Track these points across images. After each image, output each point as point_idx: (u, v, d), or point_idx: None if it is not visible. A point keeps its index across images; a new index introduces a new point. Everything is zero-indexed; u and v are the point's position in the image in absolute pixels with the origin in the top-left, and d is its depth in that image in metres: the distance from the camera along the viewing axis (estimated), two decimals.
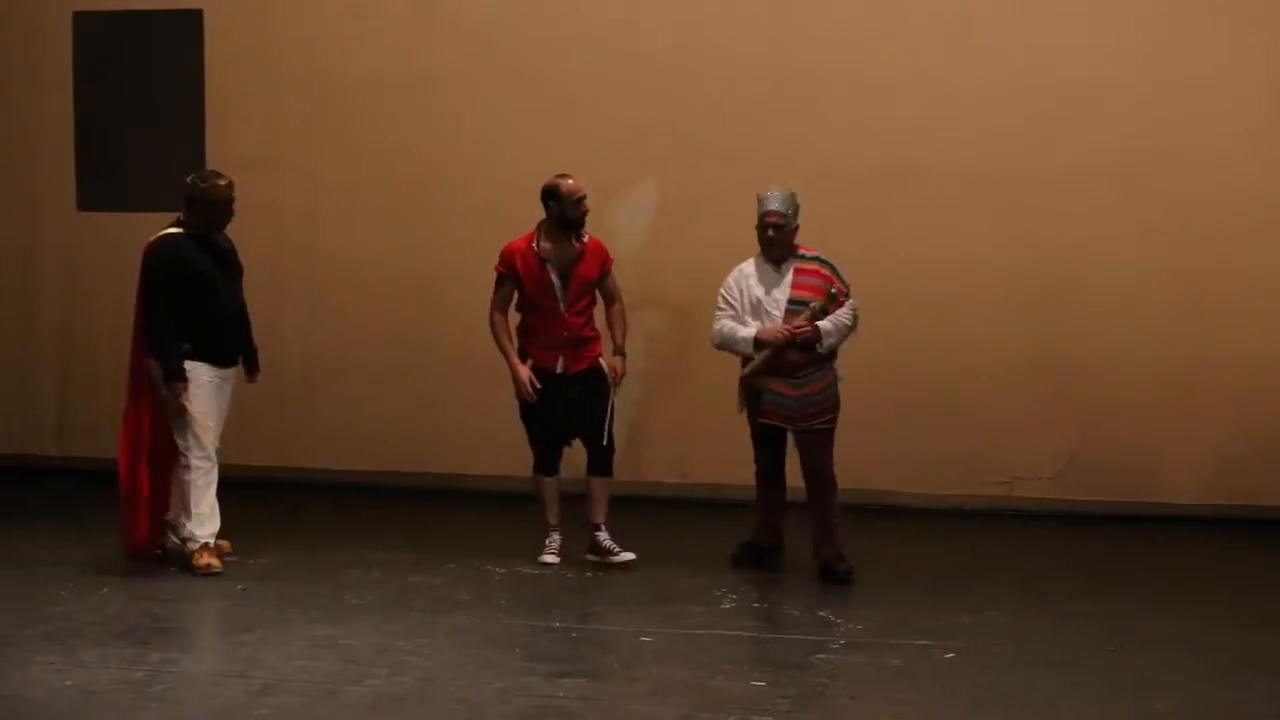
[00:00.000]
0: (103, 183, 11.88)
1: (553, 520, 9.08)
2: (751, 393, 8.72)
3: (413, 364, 11.41)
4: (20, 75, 12.01)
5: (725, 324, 8.74)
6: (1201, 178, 10.42)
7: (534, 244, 8.86)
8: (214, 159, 11.23)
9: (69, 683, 6.83)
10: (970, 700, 6.75)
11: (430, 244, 11.37)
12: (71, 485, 11.32)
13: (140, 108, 11.77)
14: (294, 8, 11.58)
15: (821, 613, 8.03)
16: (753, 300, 8.68)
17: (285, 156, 11.53)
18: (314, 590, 8.44)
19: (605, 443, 8.92)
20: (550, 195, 8.81)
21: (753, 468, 8.99)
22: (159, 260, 8.68)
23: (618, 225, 10.94)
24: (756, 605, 8.20)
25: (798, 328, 8.56)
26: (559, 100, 11.15)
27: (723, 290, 8.80)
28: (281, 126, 11.56)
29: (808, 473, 8.70)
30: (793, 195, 8.69)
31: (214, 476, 8.86)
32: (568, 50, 11.13)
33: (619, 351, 8.98)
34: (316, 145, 11.50)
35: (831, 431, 8.69)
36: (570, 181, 8.81)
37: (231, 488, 9.06)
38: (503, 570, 8.95)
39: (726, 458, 10.71)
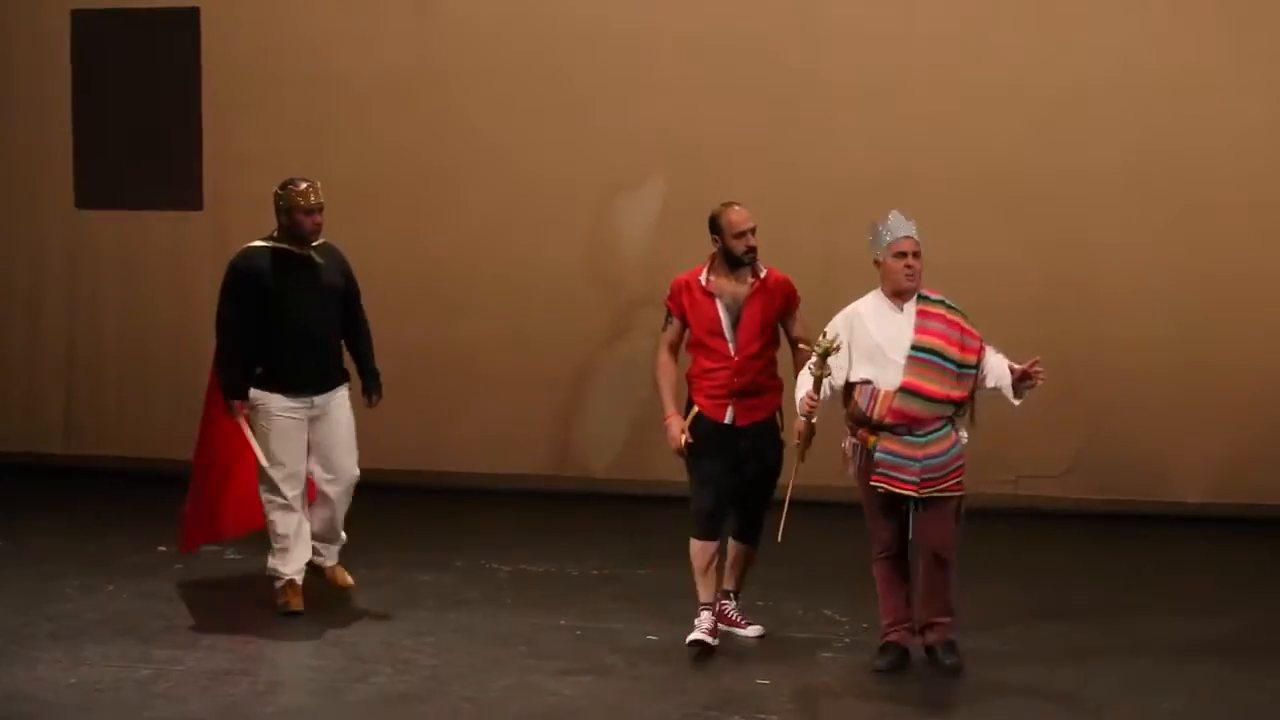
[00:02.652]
0: (101, 180, 11.85)
1: (705, 597, 7.63)
2: (861, 451, 7.30)
3: (419, 363, 11.35)
4: (19, 74, 11.96)
5: (804, 372, 7.31)
6: (1211, 180, 10.36)
7: (703, 277, 7.62)
8: (212, 157, 11.21)
9: (74, 680, 6.84)
10: (975, 698, 6.75)
11: (437, 244, 11.32)
12: (78, 484, 11.30)
13: (138, 105, 11.74)
14: (293, 5, 11.54)
15: (826, 611, 8.02)
16: (870, 346, 7.23)
17: (287, 155, 11.43)
18: (320, 588, 8.43)
19: (763, 510, 7.70)
20: (713, 227, 7.58)
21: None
22: (229, 270, 8.12)
23: (622, 226, 10.93)
24: (761, 603, 8.17)
25: (810, 403, 7.18)
26: (566, 99, 11.11)
27: (826, 328, 7.33)
28: (282, 125, 11.49)
29: (922, 550, 7.28)
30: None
31: (288, 512, 8.08)
32: (575, 49, 11.09)
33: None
34: (319, 144, 11.44)
35: (955, 501, 7.24)
36: (735, 211, 7.53)
37: None
38: (509, 569, 8.94)
39: None
